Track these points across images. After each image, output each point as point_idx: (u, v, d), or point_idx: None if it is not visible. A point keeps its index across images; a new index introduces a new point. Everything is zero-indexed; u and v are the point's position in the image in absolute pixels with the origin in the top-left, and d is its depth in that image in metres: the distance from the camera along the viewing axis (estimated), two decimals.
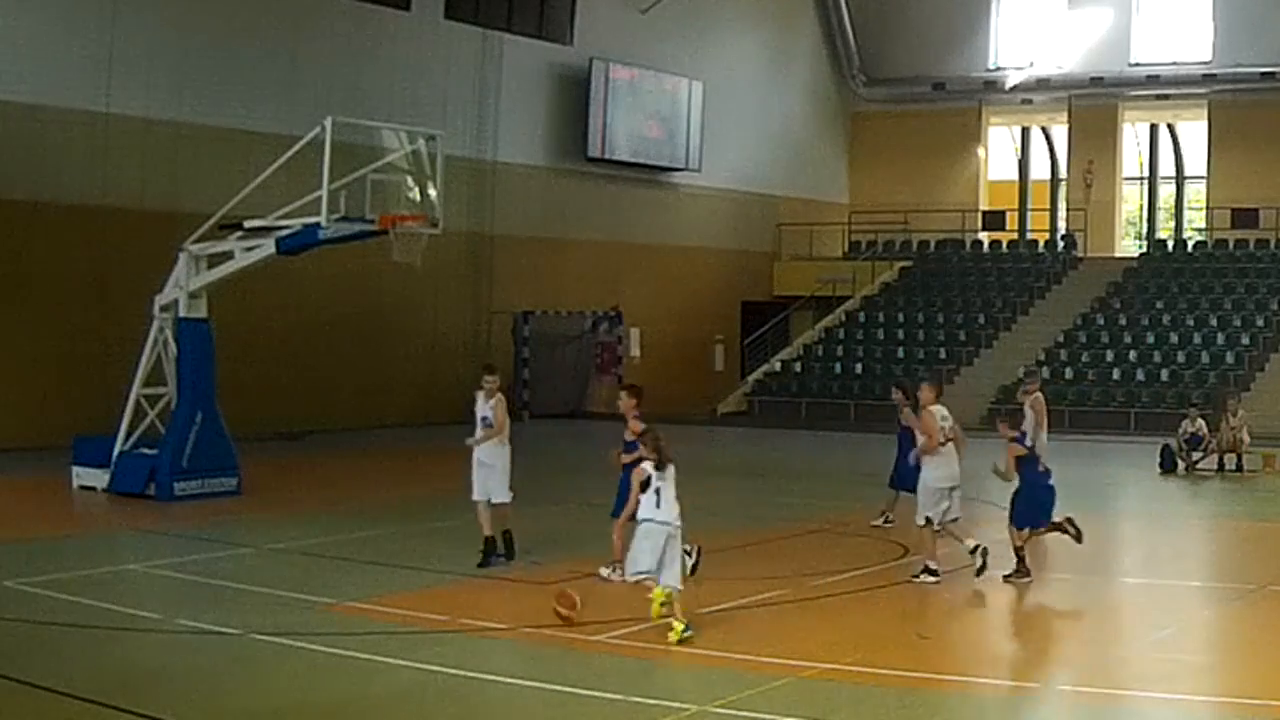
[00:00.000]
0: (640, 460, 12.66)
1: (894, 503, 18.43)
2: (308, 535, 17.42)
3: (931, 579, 14.71)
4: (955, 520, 15.13)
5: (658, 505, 12.09)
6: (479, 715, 10.18)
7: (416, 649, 11.69)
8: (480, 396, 15.96)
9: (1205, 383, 33.99)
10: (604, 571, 14.75)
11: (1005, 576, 14.80)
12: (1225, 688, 10.96)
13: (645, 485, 12.22)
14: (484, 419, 15.85)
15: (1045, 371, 36.66)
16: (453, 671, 10.91)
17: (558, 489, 21.70)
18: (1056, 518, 15.40)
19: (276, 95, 30.01)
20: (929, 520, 14.99)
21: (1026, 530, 15.15)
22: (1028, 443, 15.91)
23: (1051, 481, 15.42)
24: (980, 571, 14.75)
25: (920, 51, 45.30)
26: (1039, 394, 20.05)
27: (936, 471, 15.03)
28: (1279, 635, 12.72)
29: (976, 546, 14.90)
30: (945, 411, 15.19)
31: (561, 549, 16.65)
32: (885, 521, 18.51)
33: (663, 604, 12.13)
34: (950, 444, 15.05)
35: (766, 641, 11.97)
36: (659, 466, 12.19)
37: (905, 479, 16.99)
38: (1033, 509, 15.16)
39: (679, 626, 11.83)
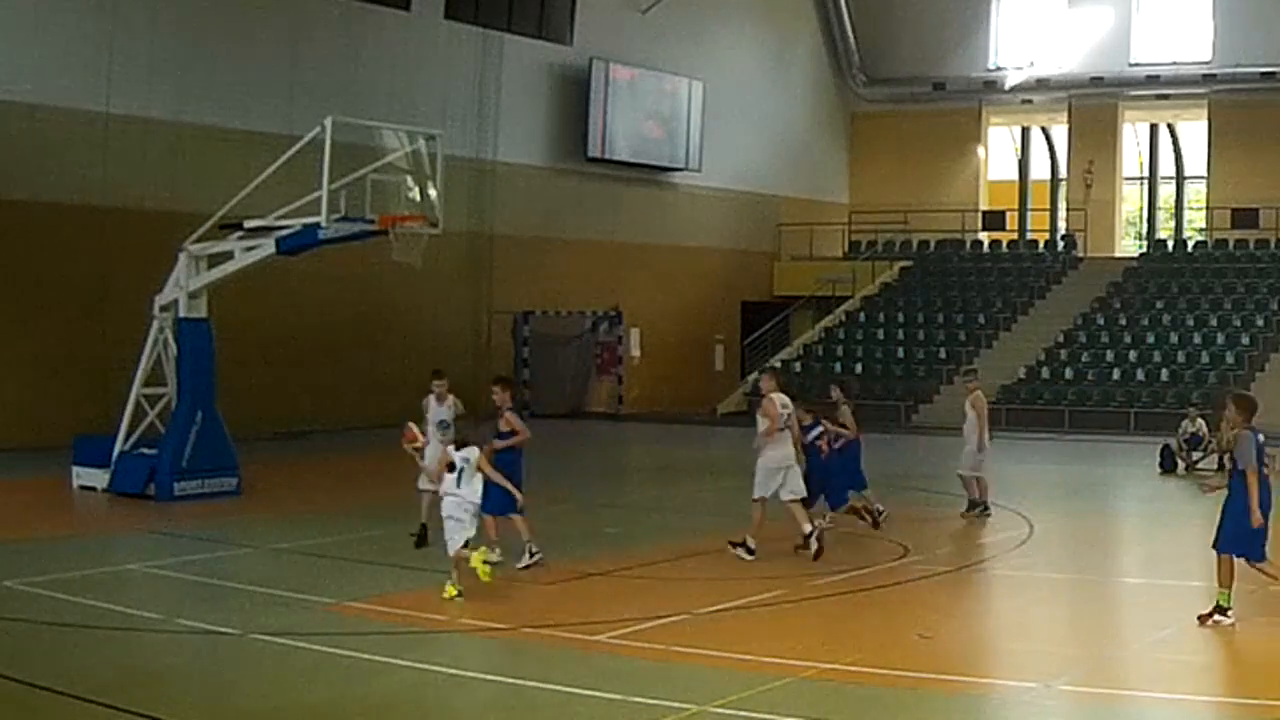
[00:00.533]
0: (511, 448, 15.05)
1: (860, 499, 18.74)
2: (308, 535, 17.42)
3: (748, 556, 15.62)
4: (795, 499, 15.94)
5: (458, 484, 13.74)
6: (479, 715, 10.18)
7: (416, 649, 11.68)
8: (432, 400, 16.57)
9: (1205, 383, 33.98)
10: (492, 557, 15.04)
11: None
12: (1225, 688, 10.96)
13: (451, 467, 13.79)
14: (441, 422, 16.39)
15: (1045, 371, 36.74)
16: (453, 671, 10.91)
17: (557, 489, 21.70)
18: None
19: (276, 95, 30.02)
20: (762, 499, 15.89)
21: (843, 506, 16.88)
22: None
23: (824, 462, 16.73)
24: (817, 555, 15.57)
25: (920, 51, 45.31)
26: (979, 392, 19.82)
27: (774, 453, 15.90)
28: (1279, 635, 12.71)
29: (813, 531, 15.81)
30: (786, 399, 16.19)
31: (561, 549, 16.64)
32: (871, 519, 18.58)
33: (485, 562, 13.46)
34: (787, 430, 15.99)
35: (766, 641, 11.96)
36: (459, 448, 13.86)
37: (856, 479, 18.14)
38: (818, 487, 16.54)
39: (453, 589, 13.53)
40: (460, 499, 13.74)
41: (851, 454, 18.02)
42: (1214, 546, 12.89)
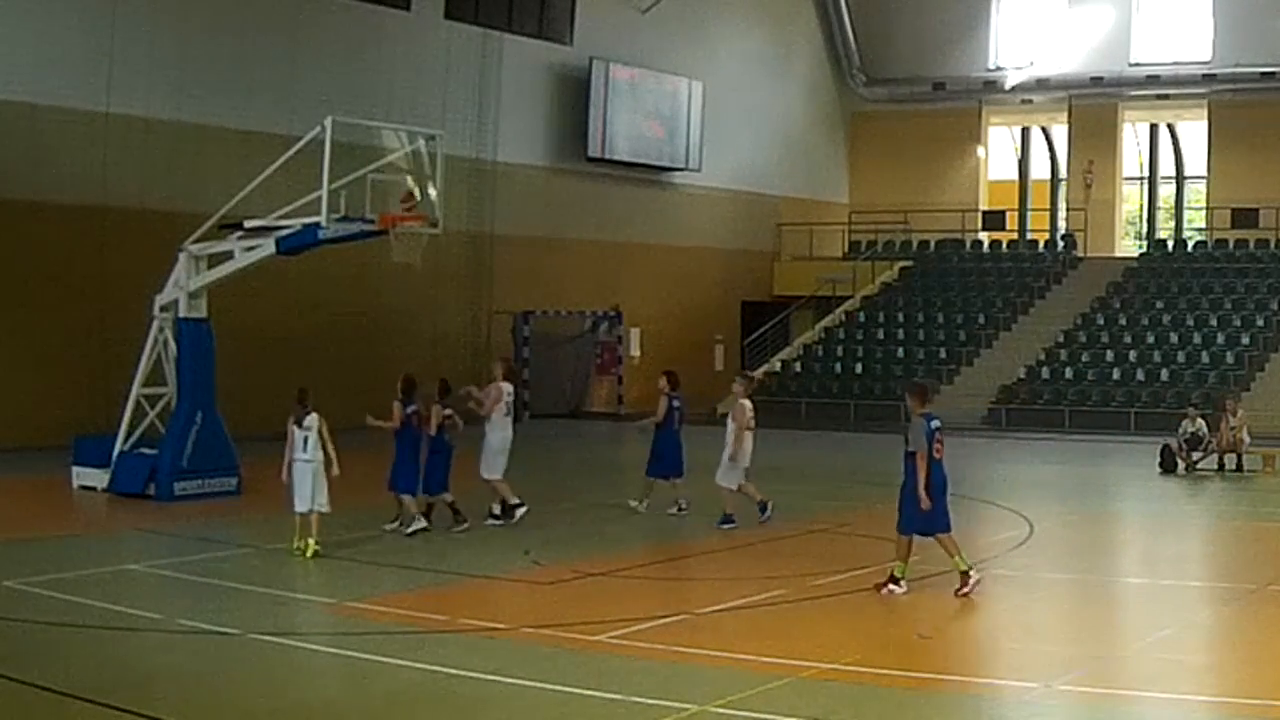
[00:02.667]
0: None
1: (651, 488, 19.51)
2: (307, 535, 17.38)
3: (497, 522, 18.01)
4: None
5: (304, 449, 16.01)
6: (479, 715, 10.18)
7: (416, 649, 11.68)
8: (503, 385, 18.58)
9: (1205, 383, 33.99)
10: (387, 526, 17.64)
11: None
12: (1225, 688, 10.96)
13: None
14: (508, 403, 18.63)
15: (1045, 371, 36.74)
16: (453, 671, 10.90)
17: (557, 489, 21.71)
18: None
19: (276, 95, 30.00)
20: (493, 479, 18.15)
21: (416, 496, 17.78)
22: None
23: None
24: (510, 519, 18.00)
25: (920, 51, 45.31)
26: (745, 400, 18.43)
27: (501, 435, 18.22)
28: (1279, 635, 12.71)
29: (518, 504, 18.16)
30: (510, 388, 18.51)
31: (561, 549, 16.66)
32: (678, 508, 19.30)
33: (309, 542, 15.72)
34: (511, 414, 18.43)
35: (766, 641, 11.97)
36: (298, 423, 16.17)
37: (659, 466, 19.37)
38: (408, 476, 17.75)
39: (312, 544, 15.73)
40: (302, 462, 15.91)
41: (662, 439, 19.18)
42: (898, 529, 14.01)
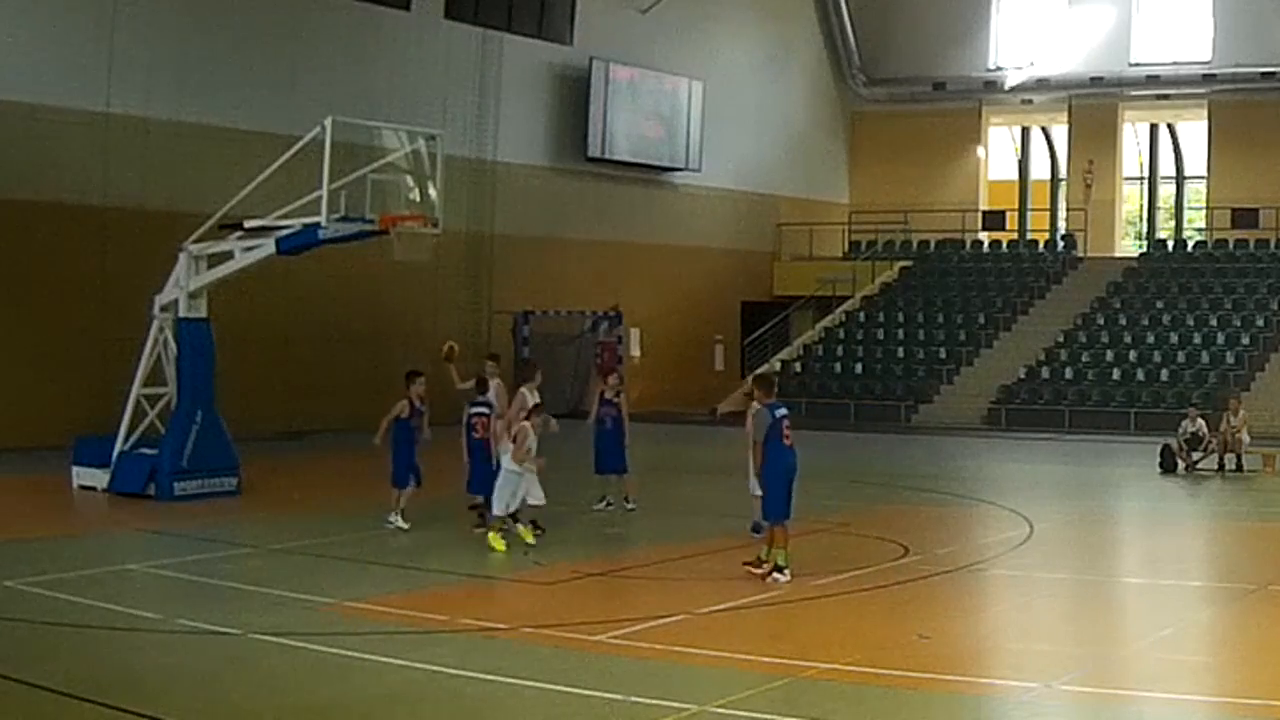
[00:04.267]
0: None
1: (624, 484, 19.73)
2: (308, 535, 17.42)
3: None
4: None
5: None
6: (479, 715, 10.18)
7: (416, 649, 11.68)
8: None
9: (1205, 383, 34.00)
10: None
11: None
12: (1225, 688, 10.96)
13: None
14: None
15: (1045, 371, 36.74)
16: (453, 671, 10.90)
17: (557, 490, 21.67)
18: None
19: (276, 95, 30.01)
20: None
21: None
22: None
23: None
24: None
25: (920, 51, 45.33)
26: (755, 404, 18.61)
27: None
28: (1279, 635, 12.71)
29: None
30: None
31: (562, 549, 16.67)
32: (607, 505, 19.62)
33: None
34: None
35: (766, 641, 11.97)
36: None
37: (607, 462, 19.62)
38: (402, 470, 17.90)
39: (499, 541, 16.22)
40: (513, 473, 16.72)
41: (600, 436, 19.75)
42: (765, 518, 14.58)
